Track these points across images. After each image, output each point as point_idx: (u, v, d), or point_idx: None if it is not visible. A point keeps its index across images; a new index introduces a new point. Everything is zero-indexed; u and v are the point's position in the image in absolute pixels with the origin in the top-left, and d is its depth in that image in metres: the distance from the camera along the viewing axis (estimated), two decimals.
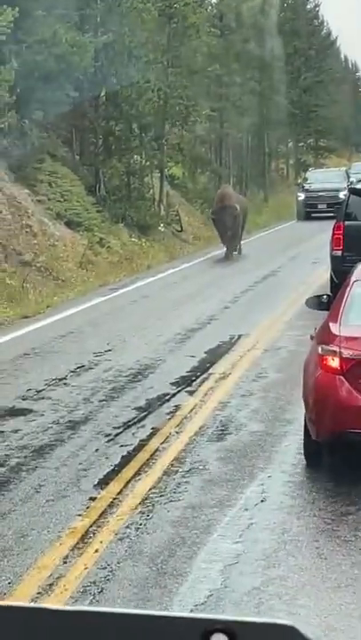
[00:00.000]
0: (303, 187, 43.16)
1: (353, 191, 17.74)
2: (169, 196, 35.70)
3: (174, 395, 11.10)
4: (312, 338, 8.96)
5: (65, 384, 11.64)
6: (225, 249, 26.55)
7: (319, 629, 5.43)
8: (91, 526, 7.07)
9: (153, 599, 5.90)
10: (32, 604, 3.11)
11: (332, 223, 17.96)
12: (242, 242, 28.08)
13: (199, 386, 11.57)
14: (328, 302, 9.48)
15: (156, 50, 31.64)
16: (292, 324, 15.69)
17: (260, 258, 26.96)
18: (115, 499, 7.65)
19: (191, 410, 10.41)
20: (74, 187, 27.89)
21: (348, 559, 6.51)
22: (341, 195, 28.04)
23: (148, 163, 33.70)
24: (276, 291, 19.91)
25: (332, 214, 35.41)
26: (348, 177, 39.81)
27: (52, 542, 6.78)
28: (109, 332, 15.16)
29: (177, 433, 9.53)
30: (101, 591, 6.05)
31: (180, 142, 38.61)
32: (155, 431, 9.58)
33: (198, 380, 11.84)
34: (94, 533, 6.95)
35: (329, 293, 10.61)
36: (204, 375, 12.13)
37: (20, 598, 5.85)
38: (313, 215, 39.68)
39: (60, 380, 11.84)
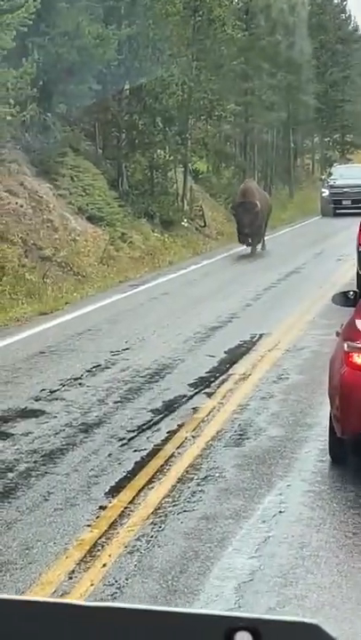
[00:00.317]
0: (327, 182, 42.71)
1: None
2: (193, 191, 35.33)
3: (192, 396, 10.76)
4: (338, 334, 8.82)
5: (80, 384, 11.32)
6: (250, 245, 26.20)
7: None
8: (99, 538, 6.74)
9: None
10: (56, 599, 3.23)
11: (356, 220, 17.58)
12: (266, 237, 27.71)
13: (218, 387, 11.23)
14: (355, 299, 9.36)
15: (180, 43, 31.25)
16: (315, 323, 15.34)
17: (283, 254, 26.58)
18: (126, 508, 7.32)
19: (209, 413, 10.07)
20: (96, 181, 27.58)
21: None
22: None
23: (171, 157, 33.33)
24: (299, 288, 19.53)
25: (357, 210, 35.04)
26: None
27: (58, 555, 6.45)
28: (128, 330, 14.84)
29: (193, 437, 9.19)
30: None
31: (205, 137, 38.26)
32: (170, 435, 9.25)
33: (217, 382, 11.50)
34: (103, 546, 6.62)
35: (356, 290, 10.31)
36: (224, 376, 11.78)
37: None
38: (337, 211, 39.26)
39: (76, 379, 11.53)
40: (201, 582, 6.07)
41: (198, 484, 7.86)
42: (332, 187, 41.18)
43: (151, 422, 9.68)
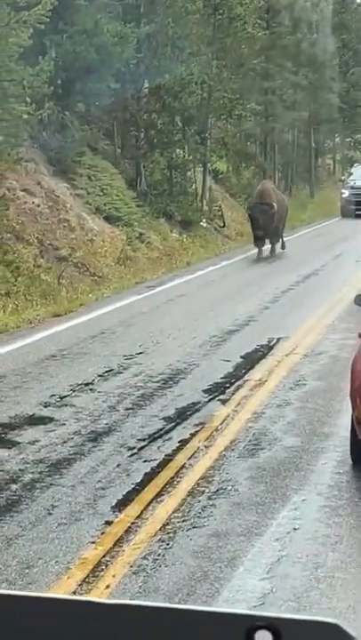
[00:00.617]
0: (348, 183, 42.30)
1: None
2: (212, 191, 34.99)
3: (206, 403, 10.43)
4: (360, 336, 8.71)
5: (91, 390, 11.00)
6: (263, 247, 25.75)
7: None
8: (104, 556, 6.42)
9: None
10: (76, 597, 3.32)
11: None
12: (286, 238, 27.34)
13: (233, 394, 10.90)
14: None
15: (200, 41, 30.91)
16: (334, 327, 15.00)
17: (303, 255, 26.22)
18: (133, 523, 6.99)
19: (223, 421, 9.74)
20: (114, 180, 27.28)
21: None
22: None
23: (190, 157, 33.00)
24: (318, 291, 19.18)
25: None
26: None
27: (60, 575, 6.13)
28: (142, 333, 14.52)
29: (206, 447, 8.86)
30: None
31: (225, 136, 37.91)
32: (182, 445, 8.92)
33: (232, 388, 11.16)
34: (107, 565, 6.30)
35: None
36: (239, 382, 11.45)
37: None
38: (358, 213, 38.87)
39: (87, 385, 11.21)
40: (209, 606, 5.74)
41: (209, 498, 7.53)
42: (352, 187, 40.76)
43: (163, 431, 9.36)
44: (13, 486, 7.72)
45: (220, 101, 33.31)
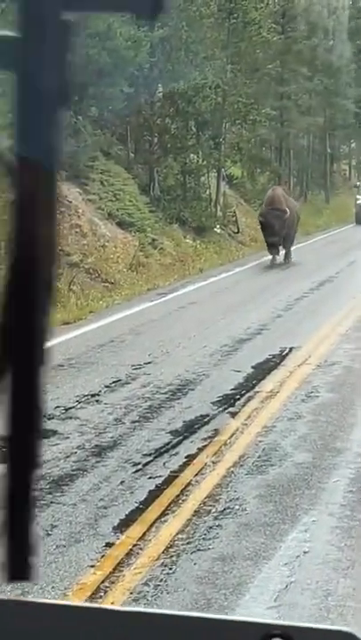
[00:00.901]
0: None
1: None
2: (226, 197, 34.71)
3: (214, 416, 10.12)
4: None
5: (97, 401, 10.70)
6: (277, 255, 25.39)
7: None
8: (103, 582, 6.10)
9: None
10: (89, 604, 3.38)
11: None
12: (300, 244, 27.03)
13: (243, 406, 10.58)
14: None
15: (214, 46, 30.62)
16: (348, 336, 14.68)
17: (317, 262, 25.90)
18: (135, 545, 6.68)
19: (232, 435, 9.42)
20: (127, 186, 27.03)
21: None
22: None
23: (204, 162, 32.70)
24: (332, 298, 18.86)
25: None
26: None
27: None
28: (152, 342, 14.21)
29: (213, 463, 8.54)
30: None
31: (240, 141, 37.62)
32: (189, 460, 8.60)
33: (242, 400, 10.84)
34: (106, 591, 5.99)
35: None
36: (250, 394, 11.13)
37: None
38: None
39: (93, 396, 10.91)
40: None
41: (216, 518, 7.21)
42: None
43: (169, 445, 9.05)
44: None
45: (235, 106, 32.97)
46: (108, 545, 6.69)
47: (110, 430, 9.53)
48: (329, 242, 33.30)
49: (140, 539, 6.80)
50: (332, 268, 23.72)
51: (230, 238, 32.05)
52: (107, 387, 11.37)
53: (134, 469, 8.33)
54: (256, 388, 11.37)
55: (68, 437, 9.25)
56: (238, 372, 12.24)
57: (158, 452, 8.81)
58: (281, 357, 13.15)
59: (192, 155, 31.96)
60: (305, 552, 6.62)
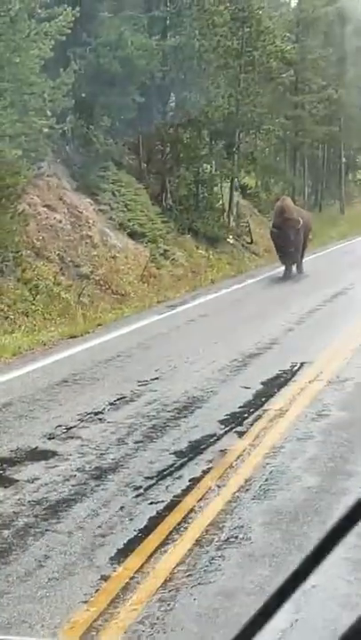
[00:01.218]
0: None
1: None
2: (239, 207, 34.36)
3: (221, 436, 9.75)
4: None
5: (100, 419, 10.35)
6: (284, 267, 24.96)
7: None
8: (96, 620, 5.73)
9: None
10: None
11: None
12: (314, 255, 26.65)
13: (251, 425, 10.20)
14: None
15: (227, 55, 30.28)
16: None
17: (331, 273, 25.53)
18: (132, 578, 6.31)
19: (238, 457, 9.05)
20: (138, 196, 26.73)
21: None
22: None
23: (217, 172, 32.37)
24: (346, 311, 18.48)
25: None
26: None
27: None
28: (159, 357, 13.87)
29: (218, 487, 8.17)
30: None
31: (253, 151, 37.28)
32: (193, 484, 8.23)
33: (250, 418, 10.47)
34: (98, 630, 5.62)
35: None
36: (258, 412, 10.76)
37: None
38: None
39: (96, 414, 10.56)
40: None
41: (219, 548, 6.84)
42: None
43: (173, 468, 8.68)
44: (5, 532, 7.06)
45: (249, 115, 32.60)
46: (104, 578, 6.33)
47: (112, 451, 9.18)
48: (343, 252, 32.89)
49: (138, 571, 6.43)
50: (346, 280, 23.32)
51: (243, 249, 31.71)
52: (111, 404, 11.02)
53: (135, 494, 7.97)
54: (265, 406, 11.01)
55: (67, 459, 8.90)
56: (247, 388, 11.88)
57: (161, 475, 8.46)
58: (292, 373, 12.78)
59: (205, 164, 31.62)
60: (312, 586, 6.24)
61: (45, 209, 22.59)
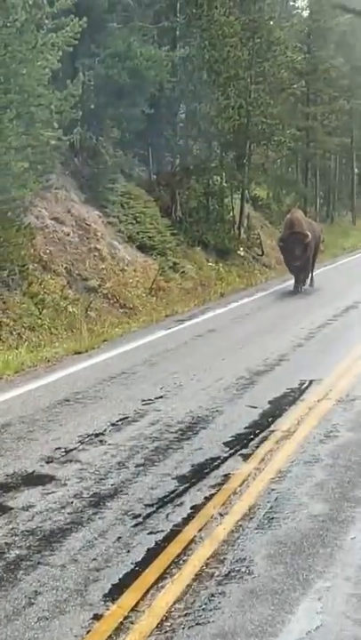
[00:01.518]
0: None
1: None
2: (250, 218, 34.05)
3: (225, 459, 9.40)
4: None
5: (101, 441, 10.01)
6: (294, 280, 24.64)
7: None
8: None
9: None
10: None
11: None
12: (321, 269, 26.31)
13: (256, 447, 9.85)
14: None
15: (237, 65, 29.98)
16: None
17: (342, 286, 25.18)
18: (126, 618, 5.97)
19: (243, 482, 8.70)
20: (148, 208, 26.44)
21: None
22: None
23: (228, 183, 32.06)
24: (356, 326, 18.12)
25: None
26: None
27: None
28: (165, 374, 13.53)
29: (220, 515, 7.82)
30: None
31: (265, 162, 36.98)
32: (194, 512, 7.88)
33: (256, 440, 10.12)
34: None
35: None
36: (264, 433, 10.40)
37: None
38: None
39: (97, 436, 10.22)
40: None
41: (219, 584, 6.50)
42: None
43: (174, 494, 8.34)
44: None
45: (259, 127, 32.28)
46: (96, 617, 5.99)
47: (112, 476, 8.84)
48: (355, 265, 32.54)
49: (133, 609, 6.09)
50: (357, 293, 22.97)
51: (254, 261, 31.40)
52: (113, 425, 10.68)
53: (134, 522, 7.63)
54: (272, 427, 10.66)
55: (65, 484, 8.57)
56: (254, 407, 11.53)
57: (162, 502, 8.11)
58: (300, 392, 12.43)
59: (215, 176, 31.32)
60: (317, 627, 5.90)
61: (53, 222, 22.32)
